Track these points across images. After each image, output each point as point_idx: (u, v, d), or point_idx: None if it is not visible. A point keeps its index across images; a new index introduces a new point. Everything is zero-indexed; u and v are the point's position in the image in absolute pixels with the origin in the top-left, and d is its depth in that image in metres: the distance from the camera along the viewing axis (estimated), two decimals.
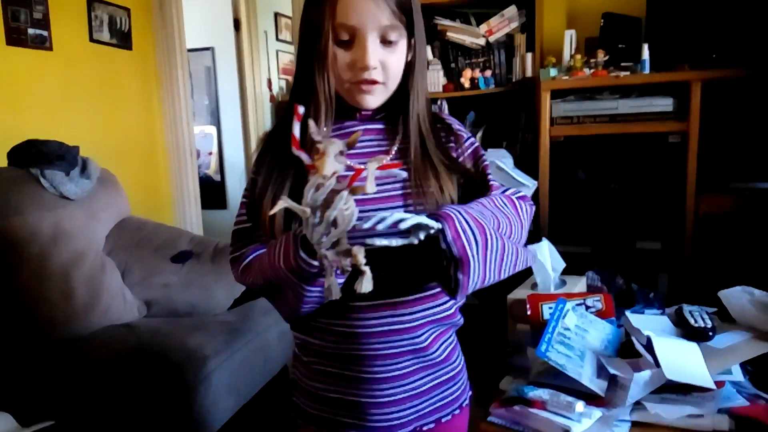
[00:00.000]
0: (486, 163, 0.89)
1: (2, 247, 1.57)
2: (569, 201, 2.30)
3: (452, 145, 0.87)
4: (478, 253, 0.69)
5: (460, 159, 0.87)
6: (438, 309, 0.83)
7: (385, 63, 0.78)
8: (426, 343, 0.82)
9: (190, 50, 3.26)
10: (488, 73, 2.52)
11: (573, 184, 2.33)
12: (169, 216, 3.13)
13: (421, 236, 0.67)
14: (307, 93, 0.80)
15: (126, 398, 1.39)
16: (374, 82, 0.78)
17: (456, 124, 0.91)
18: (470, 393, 0.94)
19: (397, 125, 0.85)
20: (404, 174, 0.70)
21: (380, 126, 0.85)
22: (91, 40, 2.67)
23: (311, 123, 0.66)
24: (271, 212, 0.65)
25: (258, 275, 0.79)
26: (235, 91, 3.97)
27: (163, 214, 3.08)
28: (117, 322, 1.65)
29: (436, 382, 0.85)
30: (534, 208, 0.90)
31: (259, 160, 0.85)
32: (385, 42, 0.78)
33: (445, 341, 0.87)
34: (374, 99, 0.81)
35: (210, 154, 4.12)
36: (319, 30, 0.77)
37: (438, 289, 0.82)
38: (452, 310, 0.86)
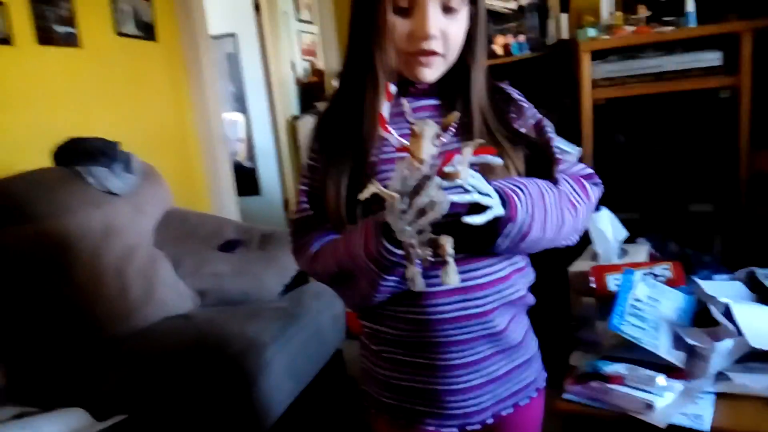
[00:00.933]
0: (551, 135, 0.84)
1: (55, 247, 1.59)
2: (615, 166, 2.23)
3: (513, 116, 0.83)
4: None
5: (523, 131, 0.82)
6: (510, 291, 0.80)
7: (446, 33, 0.74)
8: (501, 327, 0.79)
9: (213, 37, 3.24)
10: (521, 38, 2.44)
11: (618, 149, 2.25)
12: (206, 205, 3.15)
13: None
14: (363, 67, 0.76)
15: (190, 389, 1.41)
16: (434, 53, 0.74)
17: (516, 94, 0.87)
18: (545, 375, 0.91)
19: (453, 100, 0.80)
20: (500, 161, 0.66)
21: (435, 102, 0.81)
22: (118, 33, 2.66)
23: (405, 103, 0.63)
24: (362, 196, 0.61)
25: (331, 263, 0.77)
26: (260, 76, 3.95)
27: (201, 204, 3.10)
28: (173, 313, 1.67)
29: (512, 366, 0.83)
30: (603, 188, 0.88)
31: (317, 143, 0.82)
32: (447, 9, 0.73)
33: (519, 324, 0.84)
34: (432, 72, 0.77)
35: (239, 140, 4.12)
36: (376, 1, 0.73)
37: (509, 271, 0.80)
38: (524, 291, 0.83)
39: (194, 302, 1.75)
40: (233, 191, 3.23)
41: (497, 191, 0.67)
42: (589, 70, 2.12)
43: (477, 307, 0.76)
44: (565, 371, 1.11)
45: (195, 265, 1.78)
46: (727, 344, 0.99)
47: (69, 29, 2.43)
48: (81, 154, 1.77)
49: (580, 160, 2.16)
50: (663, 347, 1.03)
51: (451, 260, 0.60)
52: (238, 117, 4.12)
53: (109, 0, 2.62)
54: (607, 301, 1.15)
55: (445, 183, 0.58)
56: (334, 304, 1.85)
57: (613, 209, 2.06)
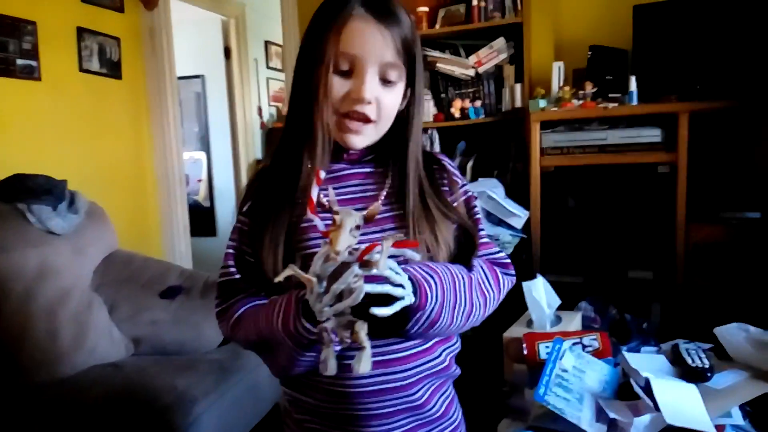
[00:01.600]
0: (478, 216, 0.87)
1: None
2: (561, 231, 2.31)
3: (446, 189, 0.85)
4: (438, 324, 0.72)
5: (454, 204, 0.85)
6: (433, 362, 0.80)
7: (380, 101, 0.76)
8: (422, 399, 0.79)
9: (180, 78, 3.27)
10: (478, 103, 2.54)
11: (564, 214, 2.33)
12: (157, 244, 3.09)
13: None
14: (303, 125, 0.78)
15: None
16: (366, 119, 0.76)
17: (451, 167, 0.89)
18: None
19: (386, 167, 0.83)
20: (418, 256, 0.68)
21: (368, 169, 0.83)
22: (81, 69, 2.66)
23: (331, 191, 0.66)
24: (277, 280, 0.62)
25: (251, 331, 0.76)
26: (225, 118, 3.98)
27: (152, 243, 3.04)
28: (104, 361, 1.61)
29: None
30: (515, 280, 0.89)
31: (250, 209, 0.82)
32: (384, 80, 0.76)
33: (442, 395, 0.84)
34: (361, 139, 0.79)
35: (199, 180, 4.10)
36: (321, 56, 0.75)
37: (432, 342, 0.80)
38: (447, 362, 0.83)
39: (127, 350, 1.69)
40: (186, 232, 3.19)
41: (410, 279, 0.67)
42: (539, 139, 2.22)
43: (398, 380, 0.76)
44: None
45: (132, 311, 1.73)
46: (644, 419, 1.01)
47: (30, 62, 2.42)
48: (24, 191, 1.73)
49: (527, 222, 2.24)
50: (585, 420, 1.05)
51: (366, 346, 0.60)
52: (201, 156, 4.11)
53: (76, 36, 2.64)
54: (538, 369, 1.16)
55: (361, 271, 0.59)
56: None
57: (558, 272, 2.13)
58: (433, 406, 0.81)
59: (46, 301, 1.58)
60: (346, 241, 0.58)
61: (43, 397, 1.45)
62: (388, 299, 0.63)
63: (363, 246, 0.60)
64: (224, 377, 1.60)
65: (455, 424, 0.86)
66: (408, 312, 0.69)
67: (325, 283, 0.60)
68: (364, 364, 0.60)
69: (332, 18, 0.75)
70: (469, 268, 0.80)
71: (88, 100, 2.70)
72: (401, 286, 0.64)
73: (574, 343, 1.22)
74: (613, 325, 1.66)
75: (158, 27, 3.02)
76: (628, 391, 1.10)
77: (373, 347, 0.67)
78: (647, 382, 1.06)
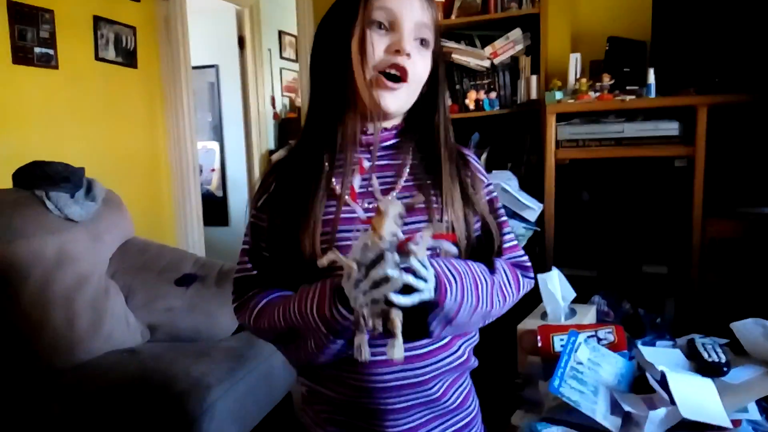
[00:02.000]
0: (504, 219, 0.87)
1: (5, 272, 1.55)
2: (575, 224, 2.29)
3: (468, 182, 0.84)
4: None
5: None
6: (452, 357, 0.80)
7: (415, 61, 0.75)
8: (439, 393, 0.79)
9: (194, 67, 3.28)
10: (493, 95, 2.52)
11: (579, 207, 2.32)
12: (171, 233, 3.12)
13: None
14: (336, 90, 0.77)
15: (129, 427, 1.37)
16: (403, 74, 0.74)
17: (477, 163, 0.88)
18: None
19: (407, 146, 0.81)
20: (455, 250, 0.68)
21: (385, 162, 0.81)
22: (97, 58, 2.68)
23: (375, 180, 0.66)
24: (321, 263, 0.62)
25: (277, 320, 0.75)
26: (239, 108, 3.99)
27: (166, 231, 3.07)
28: (120, 347, 1.63)
29: (451, 430, 0.83)
30: (533, 283, 0.90)
31: (270, 202, 0.81)
32: (420, 41, 0.76)
33: (459, 387, 0.84)
34: (395, 100, 0.76)
35: (212, 170, 4.12)
36: (355, 11, 0.74)
37: (450, 337, 0.80)
38: (466, 355, 0.84)
39: (143, 336, 1.71)
40: (199, 221, 3.21)
41: (435, 276, 0.67)
42: (554, 131, 2.20)
43: (417, 376, 0.76)
44: (507, 430, 1.11)
45: (148, 298, 1.75)
46: (660, 413, 1.00)
47: (47, 50, 2.44)
48: (42, 178, 1.75)
49: (541, 215, 2.23)
50: (600, 412, 1.04)
51: (399, 335, 0.61)
52: (214, 146, 4.13)
53: (92, 25, 2.65)
54: (552, 362, 1.16)
55: (398, 259, 0.60)
56: None
57: (572, 266, 2.12)
58: (449, 398, 0.81)
59: (64, 287, 1.60)
60: (389, 227, 0.58)
61: (60, 381, 1.47)
62: (409, 290, 0.63)
63: (400, 236, 0.61)
64: (238, 365, 1.61)
65: (472, 414, 0.87)
66: (426, 307, 0.69)
67: (364, 269, 0.60)
68: (398, 350, 0.61)
69: None
70: (492, 268, 0.80)
71: (104, 89, 2.72)
72: (424, 279, 0.64)
73: (589, 336, 1.21)
74: (626, 320, 1.65)
75: (174, 16, 3.03)
76: (643, 384, 1.10)
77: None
78: (663, 375, 1.06)
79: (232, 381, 1.56)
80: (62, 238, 1.67)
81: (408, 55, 0.74)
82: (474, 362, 0.87)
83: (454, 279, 0.70)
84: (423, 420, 0.79)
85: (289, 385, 1.88)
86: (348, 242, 0.73)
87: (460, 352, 0.82)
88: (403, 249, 0.60)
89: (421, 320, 0.70)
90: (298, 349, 0.76)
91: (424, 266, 0.64)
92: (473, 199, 0.81)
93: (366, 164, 0.66)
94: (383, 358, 0.72)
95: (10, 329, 1.50)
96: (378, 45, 0.74)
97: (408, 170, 0.80)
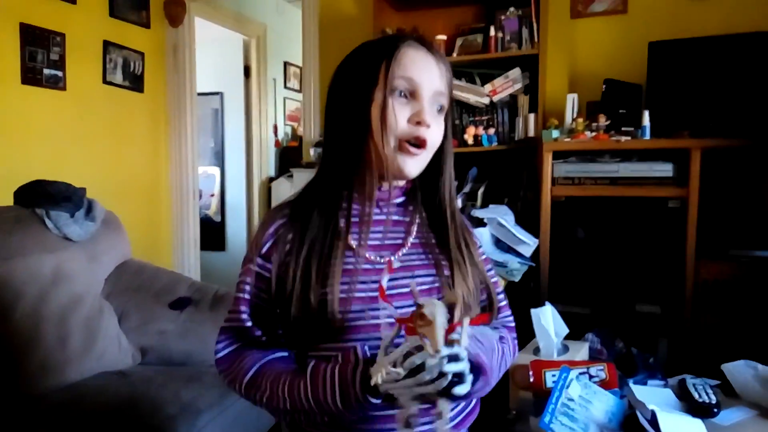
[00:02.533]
0: (495, 279, 0.89)
1: (0, 289, 1.55)
2: (570, 260, 2.31)
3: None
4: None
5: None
6: (468, 410, 0.84)
7: (433, 129, 0.77)
8: None
9: (199, 94, 3.34)
10: (491, 131, 2.57)
11: (574, 244, 2.34)
12: (168, 256, 3.12)
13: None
14: (354, 150, 0.77)
15: None
16: (423, 143, 0.76)
17: (470, 226, 0.90)
18: None
19: (414, 208, 0.84)
20: (492, 332, 0.74)
21: (394, 217, 0.83)
22: (105, 81, 2.74)
23: (413, 283, 0.65)
24: (374, 382, 0.63)
25: (278, 398, 0.72)
26: (241, 135, 4.04)
27: (162, 254, 3.07)
28: (111, 368, 1.62)
29: None
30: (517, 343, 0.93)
31: (274, 248, 0.77)
32: (436, 108, 0.78)
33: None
34: (416, 165, 0.78)
35: (212, 195, 4.14)
36: (376, 78, 0.75)
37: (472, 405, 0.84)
38: (471, 408, 0.86)
39: (134, 359, 1.70)
40: (196, 245, 3.22)
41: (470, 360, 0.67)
42: (550, 168, 2.24)
43: None
44: None
45: (141, 320, 1.75)
46: None
47: (56, 72, 2.50)
48: (44, 197, 1.77)
49: (536, 250, 2.24)
50: None
51: (447, 417, 0.62)
52: (215, 171, 4.16)
53: (102, 49, 2.71)
54: (544, 397, 1.16)
55: (447, 351, 0.60)
56: None
57: (566, 302, 2.12)
58: None
59: (58, 306, 1.60)
60: (442, 337, 0.58)
61: (50, 401, 1.46)
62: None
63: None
64: (228, 391, 1.60)
65: None
66: None
67: (407, 369, 0.61)
68: (445, 427, 0.62)
69: (387, 47, 0.77)
70: (500, 337, 0.84)
71: (110, 111, 2.77)
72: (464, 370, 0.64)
73: (581, 373, 1.22)
74: (619, 359, 1.65)
75: (182, 44, 3.11)
76: (633, 423, 1.10)
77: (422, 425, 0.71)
78: (653, 414, 1.06)
79: (221, 407, 1.54)
80: (59, 257, 1.68)
81: (429, 126, 0.76)
82: (476, 410, 0.90)
83: (490, 363, 0.74)
84: None
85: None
86: (362, 293, 0.74)
87: (469, 410, 0.85)
88: (448, 339, 0.60)
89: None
90: (293, 415, 0.75)
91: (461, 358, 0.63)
92: (477, 260, 0.84)
93: (396, 264, 0.71)
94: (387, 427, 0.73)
95: (1, 346, 1.49)
96: (400, 115, 0.75)
97: (416, 228, 0.83)
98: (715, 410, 1.11)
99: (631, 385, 1.21)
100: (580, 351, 1.43)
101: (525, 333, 1.41)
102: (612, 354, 1.66)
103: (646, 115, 2.18)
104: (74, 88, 2.56)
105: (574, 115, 2.31)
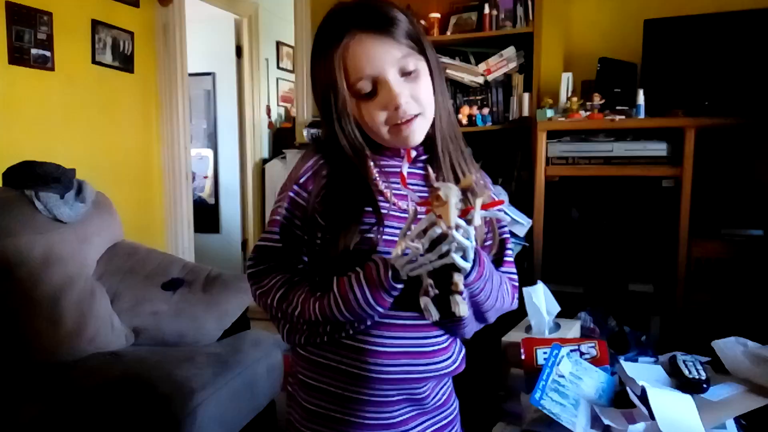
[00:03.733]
0: (507, 236, 0.89)
1: None
2: (563, 240, 2.31)
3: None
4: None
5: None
6: (449, 362, 0.83)
7: (414, 94, 0.77)
8: (427, 392, 0.83)
9: (191, 75, 3.29)
10: (486, 110, 2.56)
11: (567, 224, 2.34)
12: (161, 238, 3.11)
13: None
14: (334, 148, 0.80)
15: (110, 429, 1.35)
16: (410, 118, 0.77)
17: (487, 179, 0.92)
18: None
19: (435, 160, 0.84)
20: (506, 218, 0.76)
21: (420, 171, 0.83)
22: (94, 61, 2.69)
23: (429, 168, 0.74)
24: (398, 251, 0.67)
25: (307, 313, 0.76)
26: (234, 116, 4.00)
27: (156, 236, 3.06)
28: (104, 349, 1.62)
29: (433, 428, 0.85)
30: (516, 304, 0.94)
31: (317, 186, 0.80)
32: (406, 74, 0.77)
33: (443, 386, 0.88)
34: (415, 134, 0.79)
35: (205, 177, 4.12)
36: (335, 89, 0.76)
37: (449, 341, 0.83)
38: (458, 363, 0.86)
39: (127, 340, 1.70)
40: (190, 227, 3.20)
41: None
42: (545, 148, 2.23)
43: (415, 372, 0.79)
44: None
45: (134, 302, 1.75)
46: (639, 427, 1.01)
47: (44, 52, 2.45)
48: (32, 178, 1.75)
49: (530, 231, 2.24)
50: (580, 425, 1.05)
51: (463, 292, 0.70)
52: (208, 153, 4.13)
53: (90, 28, 2.66)
54: (535, 374, 1.16)
55: (465, 225, 0.65)
56: (273, 353, 1.82)
57: (559, 281, 2.13)
58: (434, 397, 0.85)
59: (50, 288, 1.59)
60: (455, 215, 0.63)
61: (43, 382, 1.46)
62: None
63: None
64: (222, 370, 1.60)
65: (453, 414, 0.90)
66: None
67: (424, 244, 0.65)
68: (462, 306, 0.70)
69: (332, 50, 0.75)
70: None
71: (99, 92, 2.73)
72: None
73: (572, 350, 1.22)
74: (611, 337, 1.66)
75: (172, 23, 3.05)
76: (623, 399, 1.11)
77: (402, 338, 0.76)
78: (643, 390, 1.07)
79: (215, 386, 1.55)
80: (50, 239, 1.67)
81: (407, 102, 0.76)
82: (462, 366, 0.90)
83: (485, 261, 0.76)
84: (407, 416, 0.81)
85: (272, 393, 1.87)
86: (384, 236, 0.77)
87: (454, 358, 0.85)
88: (465, 219, 0.66)
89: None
90: (316, 329, 0.78)
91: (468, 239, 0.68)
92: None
93: (413, 153, 0.76)
94: (392, 349, 0.77)
95: None
96: (375, 114, 0.77)
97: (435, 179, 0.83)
98: (705, 386, 1.12)
99: (621, 362, 1.22)
100: (572, 329, 1.43)
101: (517, 311, 1.41)
102: (605, 332, 1.67)
103: (641, 93, 2.17)
104: (63, 69, 2.51)
105: (569, 95, 2.29)
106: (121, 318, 1.72)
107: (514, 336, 1.36)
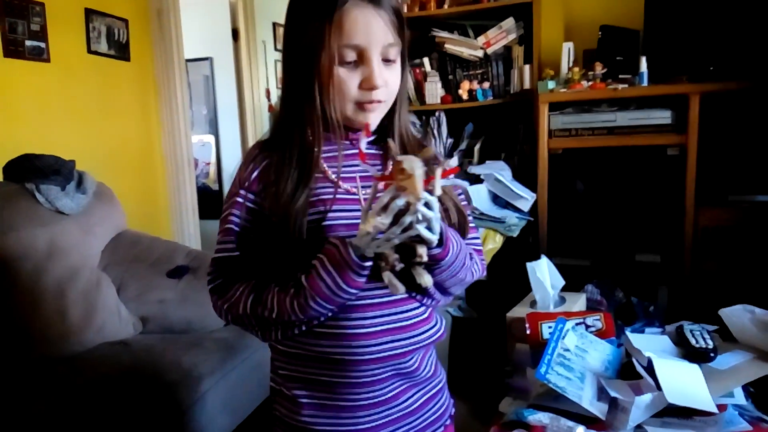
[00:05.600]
0: (465, 202, 0.88)
1: None
2: (568, 213, 2.29)
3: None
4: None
5: None
6: (432, 332, 0.83)
7: (387, 82, 0.78)
8: (416, 365, 0.83)
9: (188, 60, 3.26)
10: (486, 84, 2.52)
11: (572, 197, 2.32)
12: (166, 226, 3.11)
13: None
14: (307, 113, 0.78)
15: (120, 418, 1.37)
16: (379, 101, 0.78)
17: (439, 154, 0.91)
18: (452, 401, 0.95)
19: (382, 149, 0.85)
20: (466, 183, 0.77)
21: (374, 151, 0.85)
22: (89, 51, 2.66)
23: (390, 141, 0.73)
24: (367, 229, 0.66)
25: (285, 312, 0.74)
26: (234, 101, 3.97)
27: (161, 225, 3.07)
28: (112, 339, 1.63)
29: (424, 398, 0.86)
30: (484, 271, 0.91)
31: (260, 183, 0.79)
32: (386, 60, 0.77)
33: (429, 357, 0.88)
34: (375, 117, 0.80)
35: (208, 163, 4.11)
36: (319, 49, 0.74)
37: (429, 311, 0.83)
38: (441, 330, 0.87)
39: (135, 328, 1.71)
40: (195, 214, 3.21)
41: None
42: (547, 121, 2.20)
43: (398, 348, 0.78)
44: (495, 417, 1.12)
45: (140, 290, 1.75)
46: (646, 398, 1.01)
47: (39, 44, 2.43)
48: (32, 171, 1.75)
49: (534, 205, 2.22)
50: (586, 398, 1.05)
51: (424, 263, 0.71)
52: (210, 139, 4.12)
53: (84, 17, 2.63)
54: (540, 349, 1.16)
55: (428, 196, 0.65)
56: None
57: (565, 255, 2.12)
58: (423, 369, 0.85)
59: (55, 280, 1.60)
60: (421, 186, 0.63)
61: (52, 373, 1.47)
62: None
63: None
64: (230, 356, 1.62)
65: (441, 383, 0.91)
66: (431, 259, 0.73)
67: (387, 218, 0.65)
68: (426, 277, 0.71)
69: (328, 9, 0.73)
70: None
71: (96, 82, 2.71)
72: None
73: (577, 323, 1.22)
74: (619, 308, 1.66)
75: (166, 8, 3.01)
76: (630, 371, 1.10)
77: (383, 316, 0.76)
78: (650, 361, 1.06)
79: (223, 372, 1.56)
80: (53, 231, 1.67)
81: (381, 87, 0.76)
82: (444, 335, 0.90)
83: (453, 236, 0.76)
84: (398, 390, 0.82)
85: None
86: (337, 221, 0.77)
87: (438, 326, 0.85)
88: (427, 190, 0.65)
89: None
90: (288, 323, 0.77)
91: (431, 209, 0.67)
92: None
93: (372, 127, 0.76)
94: (371, 330, 0.76)
95: (2, 320, 1.50)
96: (351, 83, 0.76)
97: (390, 162, 0.82)
98: (712, 355, 1.11)
99: (627, 333, 1.21)
100: (578, 302, 1.42)
101: (522, 286, 1.40)
102: (612, 304, 1.66)
103: (644, 61, 2.12)
104: (58, 60, 2.49)
105: (570, 65, 2.25)
106: (128, 307, 1.73)
107: (519, 311, 1.36)
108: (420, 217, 0.65)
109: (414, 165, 0.63)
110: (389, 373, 0.80)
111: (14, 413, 1.33)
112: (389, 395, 0.81)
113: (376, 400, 0.80)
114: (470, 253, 0.82)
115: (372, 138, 0.85)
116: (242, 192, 0.79)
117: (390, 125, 0.84)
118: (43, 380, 1.44)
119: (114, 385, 1.42)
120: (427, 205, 0.65)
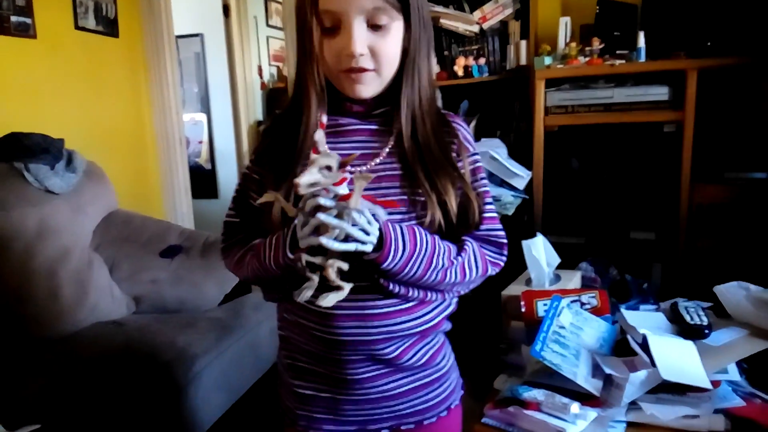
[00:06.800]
0: (485, 188, 0.86)
1: None
2: (564, 191, 2.28)
3: (454, 155, 0.83)
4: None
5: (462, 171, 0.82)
6: (412, 323, 0.81)
7: (374, 49, 0.75)
8: (395, 353, 0.81)
9: (178, 36, 3.20)
10: (482, 60, 2.48)
11: (567, 174, 2.30)
12: (158, 206, 3.09)
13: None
14: (304, 84, 0.79)
15: (114, 398, 1.37)
16: (363, 70, 0.75)
17: (464, 131, 0.86)
18: (461, 393, 0.93)
19: (391, 126, 0.81)
20: (384, 216, 0.72)
21: (373, 127, 0.82)
22: (77, 27, 2.60)
23: (319, 134, 0.67)
24: (259, 202, 0.70)
25: (250, 271, 0.80)
26: (225, 79, 3.90)
27: (153, 205, 3.04)
28: (105, 318, 1.62)
29: (412, 386, 0.85)
30: (504, 262, 0.88)
31: (259, 156, 0.85)
32: (374, 26, 0.74)
33: (423, 347, 0.84)
34: (366, 88, 0.77)
35: (200, 142, 4.06)
36: (304, 19, 0.75)
37: (413, 304, 0.81)
38: (434, 322, 0.84)
39: (128, 308, 1.70)
40: (187, 193, 3.18)
41: (380, 229, 0.70)
42: (543, 98, 2.17)
43: (368, 335, 0.78)
44: (490, 394, 1.12)
45: (132, 270, 1.74)
46: (640, 375, 1.01)
47: (24, 19, 2.37)
48: (21, 150, 1.72)
49: (530, 183, 2.21)
50: (581, 375, 1.05)
51: (338, 284, 0.65)
52: (202, 117, 4.06)
53: None
54: (535, 327, 1.16)
55: (331, 203, 0.62)
56: (274, 316, 1.83)
57: (560, 233, 2.12)
58: (409, 358, 0.83)
59: (46, 260, 1.58)
60: (309, 177, 0.60)
61: (46, 352, 1.47)
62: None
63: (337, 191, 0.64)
64: (224, 335, 1.61)
65: (441, 372, 0.88)
66: (372, 261, 0.71)
67: (307, 216, 0.64)
68: (328, 299, 0.65)
69: None
70: (461, 249, 0.80)
71: (84, 59, 2.65)
72: (366, 232, 0.67)
73: (573, 301, 1.21)
74: (613, 286, 1.66)
75: None
76: (625, 348, 1.10)
77: (352, 301, 0.74)
78: (644, 338, 1.06)
79: (217, 351, 1.56)
80: (43, 211, 1.65)
81: (361, 54, 0.74)
82: (445, 327, 0.89)
83: (403, 240, 0.72)
84: (375, 374, 0.82)
85: (275, 356, 1.89)
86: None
87: (425, 319, 0.82)
88: (341, 196, 0.64)
89: (367, 271, 0.73)
90: (270, 290, 0.83)
91: (368, 220, 0.67)
92: (458, 172, 0.81)
93: (324, 119, 0.73)
94: (340, 312, 0.76)
95: None
96: (330, 52, 0.75)
97: (393, 140, 0.81)
98: (707, 331, 1.11)
99: (622, 310, 1.21)
100: (573, 280, 1.42)
101: (517, 264, 1.40)
102: (606, 282, 1.66)
103: (641, 36, 2.09)
104: (45, 36, 2.43)
105: (567, 40, 2.22)
106: (121, 287, 1.71)
107: (514, 289, 1.36)
108: (326, 217, 0.62)
109: (319, 158, 0.61)
110: (361, 356, 0.80)
111: (8, 395, 1.33)
112: (364, 376, 0.81)
113: (351, 378, 0.81)
114: (460, 254, 0.79)
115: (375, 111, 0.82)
116: (249, 164, 0.86)
117: (397, 98, 0.80)
118: (37, 361, 1.43)
119: (109, 365, 1.41)
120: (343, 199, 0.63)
